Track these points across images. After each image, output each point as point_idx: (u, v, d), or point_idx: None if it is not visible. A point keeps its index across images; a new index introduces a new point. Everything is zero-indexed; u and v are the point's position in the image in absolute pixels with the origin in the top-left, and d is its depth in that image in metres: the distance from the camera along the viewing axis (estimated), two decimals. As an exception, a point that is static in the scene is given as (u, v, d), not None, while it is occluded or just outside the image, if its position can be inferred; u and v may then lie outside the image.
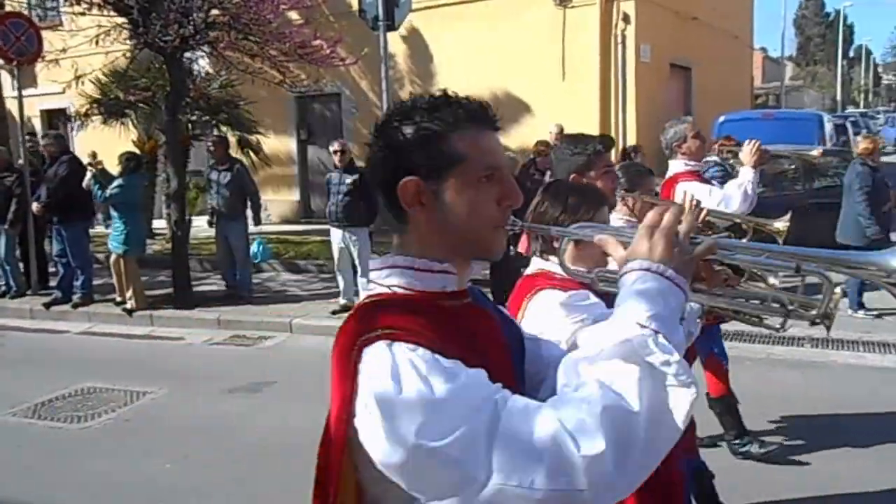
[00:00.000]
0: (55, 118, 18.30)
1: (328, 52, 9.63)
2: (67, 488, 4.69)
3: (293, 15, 10.85)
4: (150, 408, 6.16)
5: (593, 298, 2.11)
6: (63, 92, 16.72)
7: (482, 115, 1.37)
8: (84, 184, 8.82)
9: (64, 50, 9.26)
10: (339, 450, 1.22)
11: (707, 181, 4.55)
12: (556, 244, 2.14)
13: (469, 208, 1.30)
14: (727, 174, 7.55)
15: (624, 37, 12.96)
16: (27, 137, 10.78)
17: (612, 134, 12.68)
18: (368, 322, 1.27)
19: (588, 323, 1.93)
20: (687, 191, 3.67)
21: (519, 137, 13.19)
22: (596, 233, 1.46)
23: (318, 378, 6.43)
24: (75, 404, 6.27)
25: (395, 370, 1.17)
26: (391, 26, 8.60)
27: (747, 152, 4.12)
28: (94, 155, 11.53)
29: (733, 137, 6.09)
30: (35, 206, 9.23)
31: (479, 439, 1.12)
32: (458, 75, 13.72)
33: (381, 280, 1.36)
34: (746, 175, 4.09)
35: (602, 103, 12.83)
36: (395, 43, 12.52)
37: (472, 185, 1.31)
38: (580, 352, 1.26)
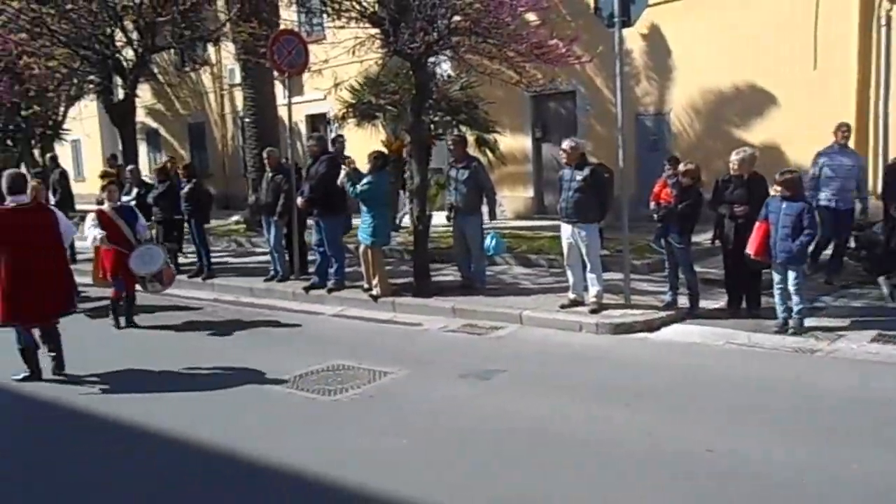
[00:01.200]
0: (317, 122, 20.13)
1: (564, 51, 9.79)
2: (318, 453, 5.24)
3: (530, 16, 11.15)
4: (391, 386, 6.72)
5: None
6: (324, 98, 18.40)
7: None
8: (339, 181, 9.73)
9: (326, 61, 10.25)
10: None
11: None
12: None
13: None
14: None
15: (889, 19, 11.81)
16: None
17: (870, 130, 11.67)
18: None
19: None
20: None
21: (765, 132, 12.56)
22: None
23: (545, 368, 6.70)
24: (327, 378, 6.98)
25: None
26: (626, 23, 8.59)
27: None
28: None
29: None
30: (299, 200, 10.33)
31: None
32: (697, 69, 13.34)
33: None
34: None
35: (859, 96, 11.77)
36: (631, 39, 12.42)
37: None
38: None
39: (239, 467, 5.09)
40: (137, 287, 9.40)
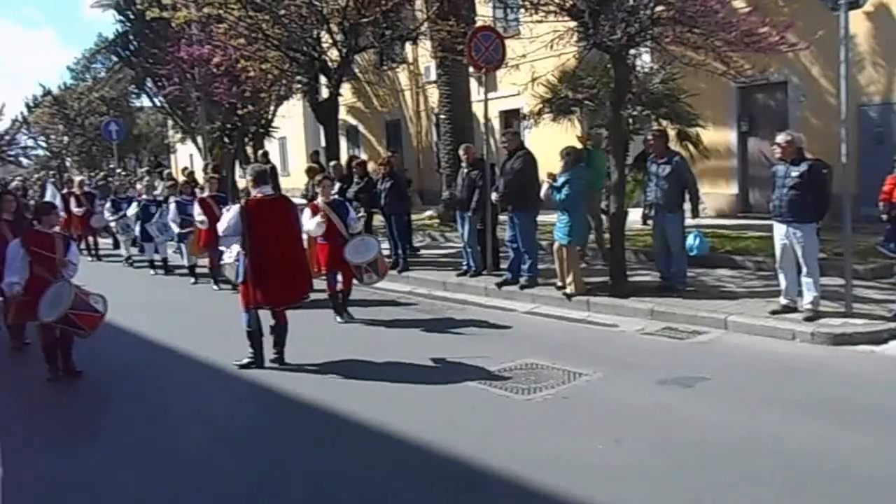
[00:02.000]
0: (511, 118, 20.19)
1: (776, 38, 9.11)
2: (512, 453, 5.16)
3: (739, 3, 10.49)
4: (586, 389, 6.52)
5: None
6: (518, 94, 18.38)
7: None
8: (542, 194, 9.62)
9: (524, 55, 10.17)
10: None
11: None
12: None
13: None
14: None
15: None
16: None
17: None
18: None
19: None
20: None
21: None
22: None
23: (753, 378, 6.21)
24: (521, 376, 6.91)
25: None
26: (855, 4, 7.83)
27: None
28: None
29: None
30: (494, 195, 10.34)
31: None
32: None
33: None
34: None
35: None
36: (855, 21, 11.34)
37: None
38: None
39: (455, 468, 5.05)
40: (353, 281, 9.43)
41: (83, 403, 7.19)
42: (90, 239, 17.05)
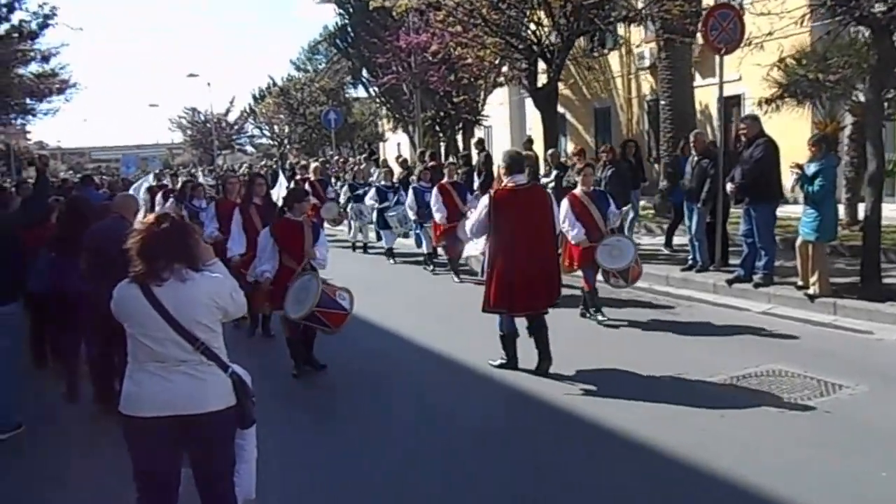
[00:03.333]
0: (730, 105, 18.92)
1: None
2: (778, 472, 4.68)
3: None
4: (851, 404, 5.82)
5: None
6: (739, 79, 17.17)
7: None
8: (791, 186, 8.79)
9: (770, 33, 9.31)
10: None
11: None
12: None
13: None
14: None
15: None
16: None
17: None
18: None
19: None
20: None
21: None
22: None
23: None
24: (769, 384, 6.33)
25: None
26: None
27: None
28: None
29: None
30: (728, 186, 9.62)
31: None
32: None
33: None
34: None
35: None
36: None
37: None
38: None
39: (713, 484, 4.64)
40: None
41: (327, 397, 7.02)
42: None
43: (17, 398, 6.22)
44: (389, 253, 14.10)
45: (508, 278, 6.56)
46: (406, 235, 14.30)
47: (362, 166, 18.42)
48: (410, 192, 12.67)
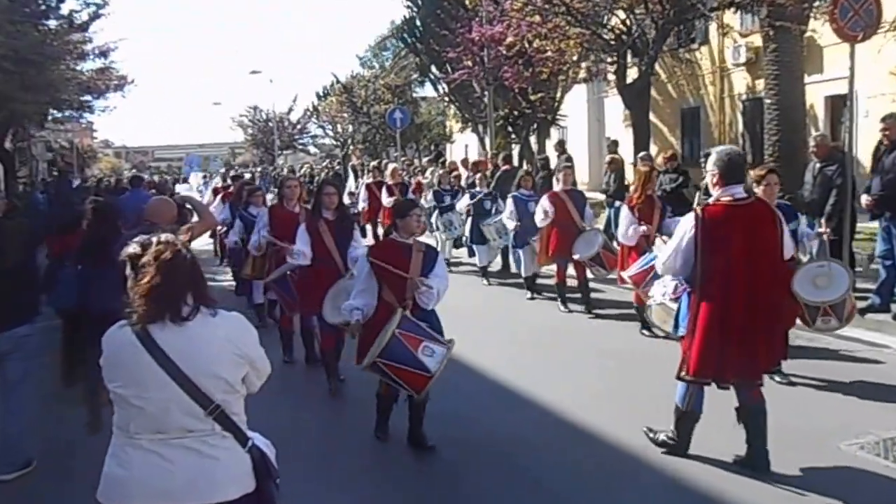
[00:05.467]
0: (838, 104, 17.23)
1: None
2: None
3: None
4: None
5: None
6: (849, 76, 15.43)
7: None
8: None
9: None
10: None
11: None
12: None
13: None
14: None
15: None
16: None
17: None
18: None
19: None
20: None
21: None
22: None
23: None
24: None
25: None
26: None
27: None
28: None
29: None
30: (864, 198, 8.16)
31: None
32: None
33: None
34: None
35: None
36: None
37: None
38: None
39: None
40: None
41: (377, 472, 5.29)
42: None
43: (33, 431, 5.40)
44: (484, 272, 11.83)
45: (719, 333, 4.61)
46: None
47: (429, 171, 17.18)
48: (510, 201, 10.39)
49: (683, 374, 4.74)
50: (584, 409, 5.95)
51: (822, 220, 8.77)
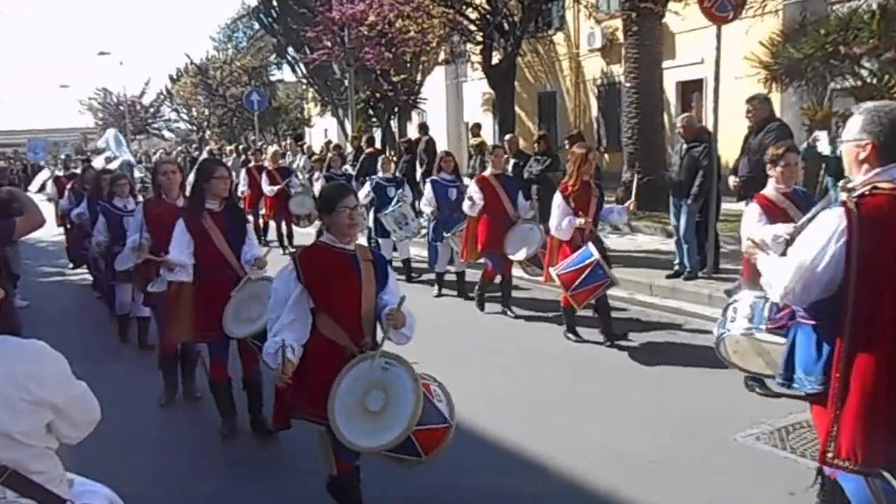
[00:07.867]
0: (688, 90, 17.76)
1: None
2: None
3: None
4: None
5: None
6: (702, 62, 15.93)
7: None
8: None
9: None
10: None
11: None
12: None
13: None
14: None
15: None
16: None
17: None
18: None
19: None
20: None
21: None
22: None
23: None
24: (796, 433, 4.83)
25: None
26: None
27: None
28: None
29: None
30: (731, 179, 8.16)
31: None
32: None
33: None
34: None
35: None
36: None
37: None
38: None
39: None
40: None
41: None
42: (283, 226, 13.17)
43: None
44: (405, 264, 10.32)
45: (887, 399, 2.89)
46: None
47: (299, 157, 16.27)
48: (428, 186, 9.21)
49: (832, 458, 2.97)
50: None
51: (689, 201, 8.84)
